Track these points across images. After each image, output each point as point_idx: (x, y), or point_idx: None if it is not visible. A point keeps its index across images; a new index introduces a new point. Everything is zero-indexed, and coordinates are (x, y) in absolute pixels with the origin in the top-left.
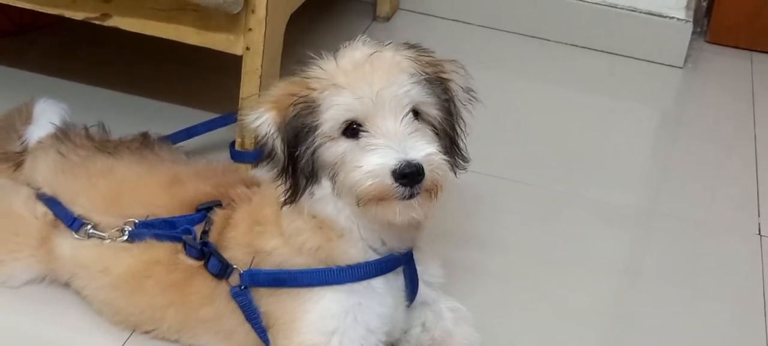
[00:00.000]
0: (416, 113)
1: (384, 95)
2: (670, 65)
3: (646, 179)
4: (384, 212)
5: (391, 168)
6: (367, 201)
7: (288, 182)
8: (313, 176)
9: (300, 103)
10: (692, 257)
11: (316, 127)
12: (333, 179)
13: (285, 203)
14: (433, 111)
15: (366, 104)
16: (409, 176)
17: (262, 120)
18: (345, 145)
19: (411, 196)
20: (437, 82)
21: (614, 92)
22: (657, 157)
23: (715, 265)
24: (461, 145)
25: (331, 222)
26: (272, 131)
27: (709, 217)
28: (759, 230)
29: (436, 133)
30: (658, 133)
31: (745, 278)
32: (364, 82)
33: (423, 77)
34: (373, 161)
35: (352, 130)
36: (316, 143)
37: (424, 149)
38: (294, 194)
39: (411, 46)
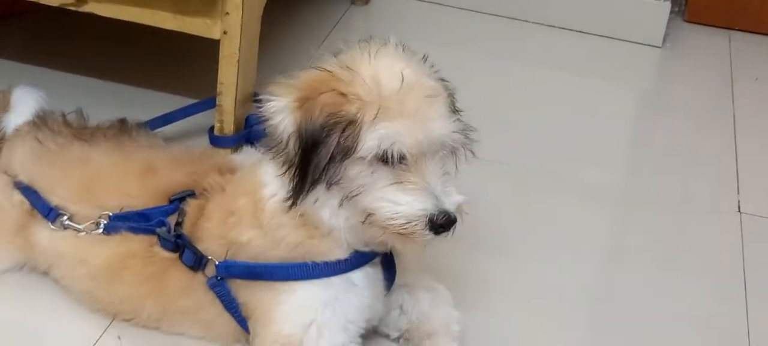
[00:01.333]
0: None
1: (434, 135)
2: (648, 45)
3: (625, 158)
4: (395, 241)
5: (429, 216)
6: (391, 234)
7: (293, 181)
8: (324, 185)
9: (335, 119)
10: (673, 235)
11: (350, 148)
12: (348, 195)
13: (289, 202)
14: (459, 149)
15: (418, 142)
16: (446, 225)
17: (282, 116)
18: (379, 171)
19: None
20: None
21: (593, 72)
22: (636, 137)
23: (696, 242)
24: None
25: (321, 223)
26: (290, 130)
27: (689, 195)
28: (739, 208)
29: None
30: (638, 113)
31: (726, 255)
32: (415, 115)
33: (453, 111)
34: (412, 204)
35: (387, 157)
36: (343, 159)
37: (458, 198)
38: (297, 195)
39: (424, 61)
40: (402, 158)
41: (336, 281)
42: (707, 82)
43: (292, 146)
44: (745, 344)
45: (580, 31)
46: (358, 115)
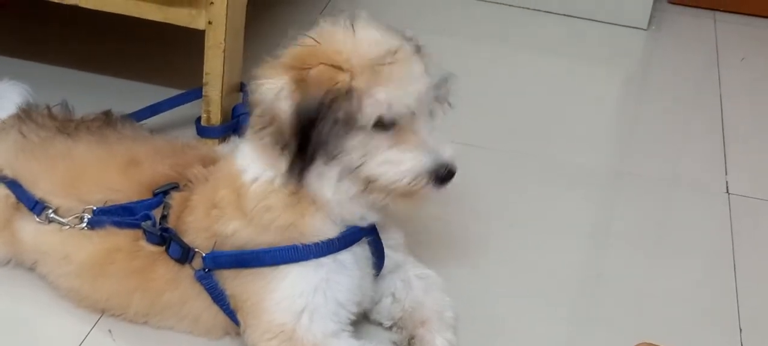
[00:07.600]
0: None
1: (423, 94)
2: (634, 27)
3: (613, 140)
4: (397, 203)
5: (429, 169)
6: (394, 196)
7: (290, 158)
8: (322, 160)
9: (333, 93)
10: (661, 217)
11: (351, 118)
12: (349, 167)
13: (288, 180)
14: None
15: (409, 105)
16: (447, 177)
17: (279, 98)
18: (377, 137)
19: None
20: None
21: (579, 56)
22: (623, 119)
23: (684, 224)
24: None
25: (318, 199)
26: (287, 108)
27: (676, 176)
28: (727, 189)
29: None
30: (624, 95)
31: (714, 236)
32: (405, 79)
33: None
34: (414, 162)
35: (383, 122)
36: (344, 132)
37: (452, 149)
38: (298, 173)
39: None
40: (395, 121)
41: (325, 261)
42: (693, 64)
43: (288, 123)
44: (735, 326)
45: (565, 15)
46: (353, 83)
